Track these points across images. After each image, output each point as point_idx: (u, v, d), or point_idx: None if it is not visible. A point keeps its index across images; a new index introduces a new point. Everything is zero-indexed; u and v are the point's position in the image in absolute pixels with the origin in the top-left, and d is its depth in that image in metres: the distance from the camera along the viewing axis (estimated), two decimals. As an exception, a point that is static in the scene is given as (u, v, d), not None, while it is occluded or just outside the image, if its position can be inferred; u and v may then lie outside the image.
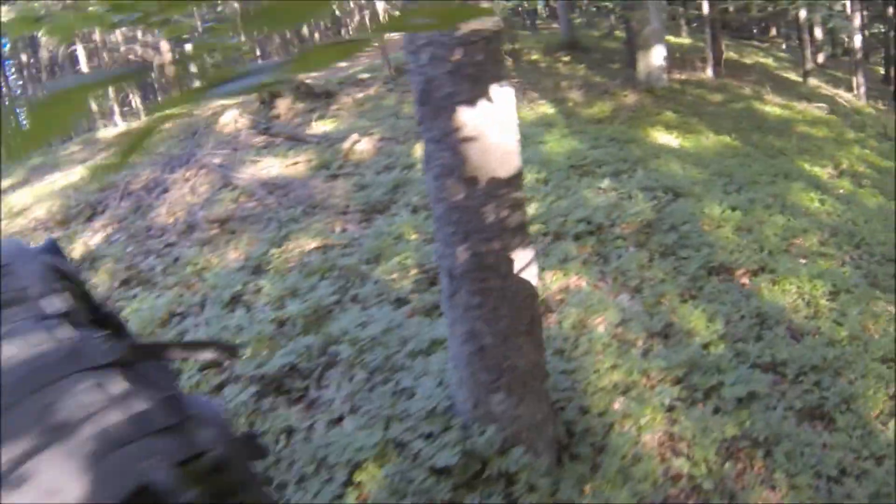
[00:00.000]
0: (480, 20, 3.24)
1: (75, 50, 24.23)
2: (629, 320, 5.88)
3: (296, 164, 11.27)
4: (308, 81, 17.78)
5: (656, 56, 16.34)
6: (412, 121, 13.91)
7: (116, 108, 22.95)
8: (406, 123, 13.46)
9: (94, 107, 25.54)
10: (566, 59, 20.92)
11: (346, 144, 11.55)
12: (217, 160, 11.54)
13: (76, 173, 16.55)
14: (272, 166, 11.24)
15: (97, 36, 22.96)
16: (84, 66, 22.95)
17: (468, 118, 3.41)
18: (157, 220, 10.30)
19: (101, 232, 10.71)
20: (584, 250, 7.27)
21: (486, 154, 3.51)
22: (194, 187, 11.00)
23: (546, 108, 15.10)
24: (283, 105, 15.67)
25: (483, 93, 3.38)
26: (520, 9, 26.46)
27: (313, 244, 8.52)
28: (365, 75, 19.13)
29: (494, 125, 3.49)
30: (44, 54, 25.85)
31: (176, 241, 9.79)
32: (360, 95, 17.00)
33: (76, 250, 10.21)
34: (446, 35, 3.26)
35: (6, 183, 19.84)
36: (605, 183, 9.25)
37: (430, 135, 3.55)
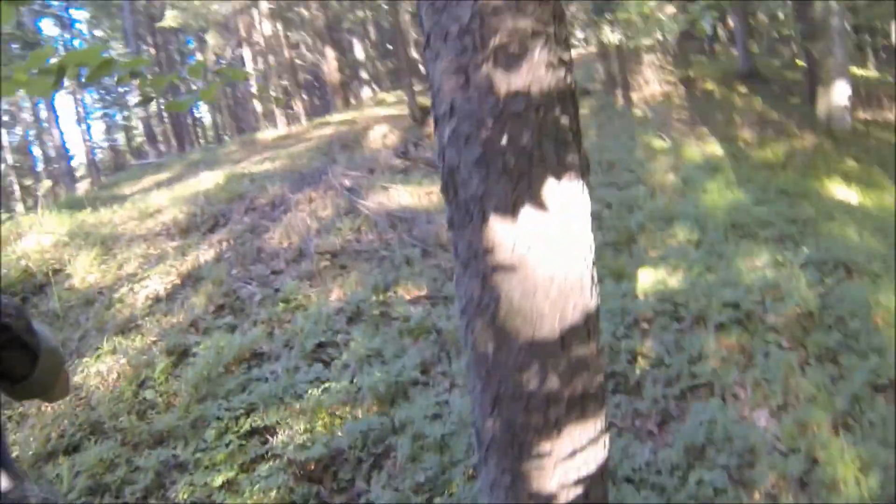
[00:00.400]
0: (529, 70, 2.29)
1: (241, 53, 25.54)
2: (757, 453, 4.83)
3: (430, 194, 10.86)
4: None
5: (839, 93, 14.71)
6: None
7: (277, 112, 23.86)
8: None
9: (259, 108, 26.86)
10: (743, 90, 19.38)
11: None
12: (347, 182, 11.36)
13: (222, 176, 17.30)
14: (403, 195, 10.89)
15: (260, 39, 24.07)
16: (249, 67, 24.07)
17: (505, 235, 2.39)
18: (271, 243, 10.20)
19: (215, 248, 10.76)
20: (725, 344, 6.22)
21: (532, 292, 2.42)
22: (316, 210, 10.87)
23: (714, 147, 13.88)
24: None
25: (530, 196, 2.35)
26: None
27: (421, 293, 8.01)
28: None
29: (549, 247, 2.41)
30: (210, 56, 27.46)
31: (283, 269, 9.62)
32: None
33: (186, 265, 10.30)
34: (478, 97, 2.33)
35: (163, 176, 21.16)
36: (764, 257, 8.09)
37: (455, 250, 2.63)
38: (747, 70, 20.72)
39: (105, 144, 50.33)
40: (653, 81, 18.34)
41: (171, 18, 23.88)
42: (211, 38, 25.65)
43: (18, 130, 39.99)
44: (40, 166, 36.43)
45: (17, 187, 37.35)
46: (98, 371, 7.32)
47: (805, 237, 8.91)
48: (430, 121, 15.29)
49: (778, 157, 13.63)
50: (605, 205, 9.76)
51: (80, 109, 42.95)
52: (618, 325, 6.44)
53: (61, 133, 26.54)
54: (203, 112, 45.24)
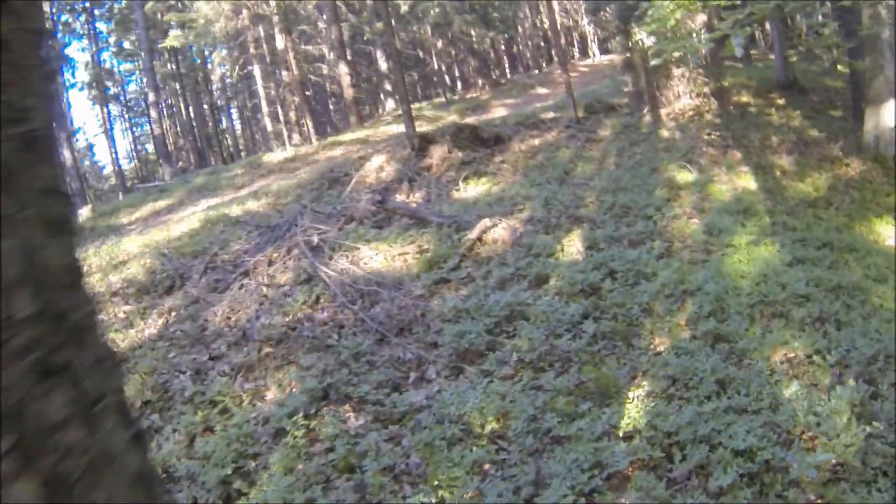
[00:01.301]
0: None
1: (251, 70, 24.31)
2: None
3: (404, 255, 9.40)
4: (477, 123, 15.97)
5: (889, 114, 12.77)
6: (579, 190, 11.61)
7: (285, 133, 22.60)
8: (568, 196, 11.18)
9: (269, 127, 25.65)
10: (780, 101, 17.39)
11: (473, 233, 9.50)
12: (315, 238, 9.97)
13: (222, 204, 16.13)
14: (375, 256, 9.46)
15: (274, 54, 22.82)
16: (259, 87, 22.85)
17: None
18: (216, 320, 8.86)
19: (164, 318, 9.56)
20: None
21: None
22: (275, 275, 9.51)
23: (747, 180, 12.13)
24: (437, 153, 13.91)
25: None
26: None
27: (363, 411, 6.56)
28: (550, 114, 16.95)
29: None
30: (215, 74, 26.45)
31: (222, 354, 8.29)
32: (536, 142, 14.86)
33: (129, 340, 9.11)
34: None
35: (162, 203, 20.15)
36: (798, 349, 6.46)
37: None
38: (785, 79, 18.79)
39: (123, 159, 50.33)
40: (683, 95, 16.55)
41: (172, 38, 22.88)
42: (217, 57, 24.53)
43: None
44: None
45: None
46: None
47: (851, 314, 7.25)
48: (432, 151, 13.83)
49: (820, 190, 11.87)
50: (608, 273, 8.14)
51: (105, 122, 42.58)
52: (583, 484, 4.86)
53: (73, 152, 25.68)
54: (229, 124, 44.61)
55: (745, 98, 17.63)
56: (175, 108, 39.04)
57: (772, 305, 7.42)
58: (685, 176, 12.19)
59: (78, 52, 75.93)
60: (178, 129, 41.12)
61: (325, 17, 24.83)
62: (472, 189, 12.51)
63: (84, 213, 21.89)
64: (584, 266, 8.35)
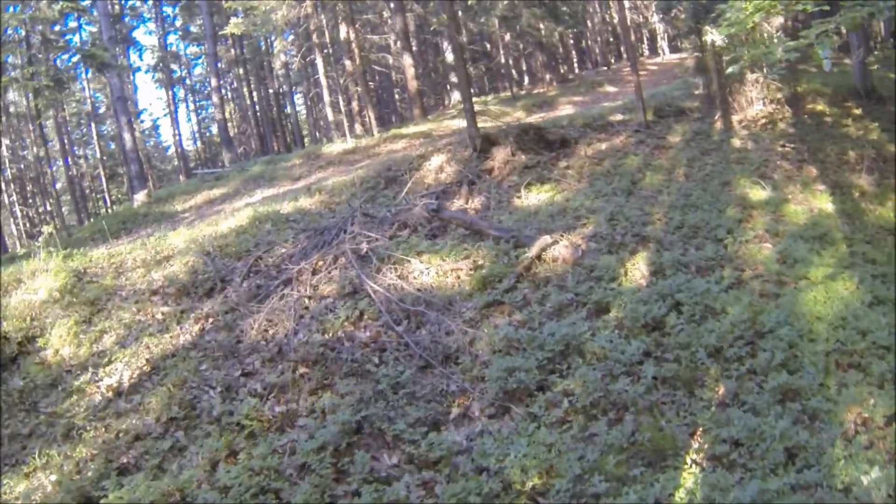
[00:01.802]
0: None
1: (314, 59, 23.87)
2: None
3: (457, 271, 8.84)
4: (543, 123, 15.25)
5: None
6: (646, 205, 10.89)
7: (346, 123, 22.15)
8: (634, 211, 10.49)
9: (330, 117, 25.27)
10: (856, 111, 16.15)
11: (532, 251, 8.89)
12: (365, 246, 9.47)
13: (277, 196, 15.76)
14: (426, 270, 8.91)
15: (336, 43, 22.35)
16: (321, 76, 22.43)
17: None
18: (251, 333, 8.43)
19: (200, 324, 9.17)
20: None
21: None
22: (317, 286, 9.03)
23: (823, 201, 11.26)
24: (500, 155, 13.28)
25: None
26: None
27: (397, 449, 6.05)
28: (618, 116, 16.15)
29: None
30: (277, 63, 26.09)
31: (256, 370, 7.88)
32: (603, 147, 14.10)
33: (162, 346, 8.77)
34: None
35: (217, 192, 19.90)
36: (877, 410, 5.73)
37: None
38: (863, 87, 17.53)
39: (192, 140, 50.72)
40: (756, 101, 15.59)
41: (233, 26, 22.56)
42: (278, 45, 24.16)
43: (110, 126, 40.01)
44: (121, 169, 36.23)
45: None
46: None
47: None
48: (494, 152, 13.20)
49: (903, 214, 10.96)
50: (674, 305, 7.45)
51: (171, 104, 42.92)
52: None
53: (133, 136, 25.62)
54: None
55: (819, 106, 16.50)
56: (238, 94, 39.05)
57: (849, 355, 6.68)
58: (758, 193, 11.37)
59: (145, 35, 77.18)
60: (241, 114, 41.16)
61: (391, 6, 24.32)
62: (533, 197, 11.86)
63: (140, 198, 21.86)
64: (647, 295, 7.69)
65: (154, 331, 9.13)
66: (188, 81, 47.11)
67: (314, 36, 22.83)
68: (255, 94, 39.71)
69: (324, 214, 12.41)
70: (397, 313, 8.04)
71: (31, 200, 36.55)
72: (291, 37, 25.85)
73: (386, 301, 8.18)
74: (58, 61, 26.76)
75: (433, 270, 8.86)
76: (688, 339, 6.79)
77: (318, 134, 41.98)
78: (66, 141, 37.27)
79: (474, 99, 29.73)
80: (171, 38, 44.64)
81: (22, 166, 37.05)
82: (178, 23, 41.31)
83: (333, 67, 24.45)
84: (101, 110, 41.45)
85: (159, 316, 9.57)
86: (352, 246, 9.42)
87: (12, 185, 32.33)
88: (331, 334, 7.95)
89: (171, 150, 48.56)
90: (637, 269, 8.58)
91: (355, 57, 22.00)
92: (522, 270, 8.58)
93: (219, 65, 33.43)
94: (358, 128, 24.27)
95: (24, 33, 21.87)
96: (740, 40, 14.46)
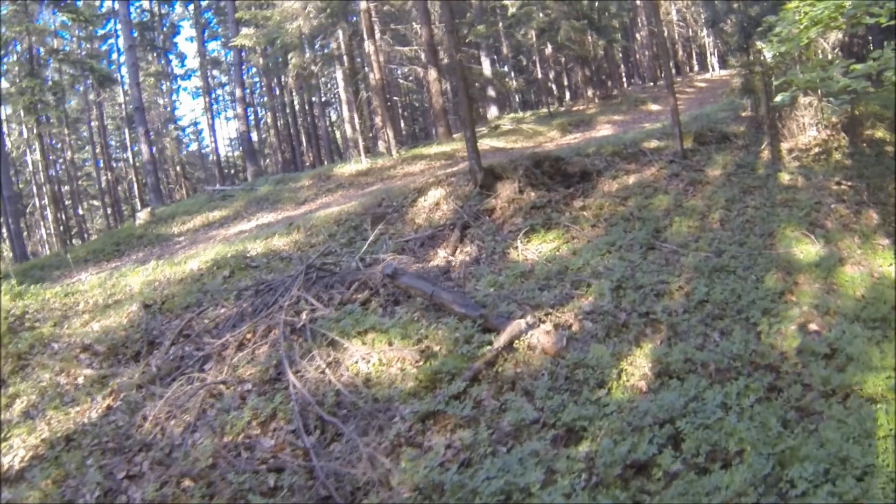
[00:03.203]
0: None
1: (334, 70, 22.15)
2: None
3: (402, 360, 6.92)
4: (561, 152, 13.17)
5: None
6: (667, 265, 8.93)
7: (360, 142, 20.35)
8: (650, 275, 8.51)
9: (349, 133, 23.58)
10: None
11: (500, 339, 6.94)
12: (304, 316, 7.68)
13: (273, 224, 14.31)
14: (367, 355, 7.02)
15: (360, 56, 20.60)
16: (341, 91, 20.75)
17: None
18: (146, 426, 6.70)
19: (107, 401, 7.54)
20: None
21: None
22: (237, 367, 7.26)
23: (887, 261, 9.14)
24: (505, 192, 11.37)
25: None
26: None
27: None
28: (653, 142, 14.06)
29: None
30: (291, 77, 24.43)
31: (142, 473, 6.22)
32: (630, 181, 12.08)
33: (65, 423, 7.21)
34: None
35: (217, 214, 18.43)
36: None
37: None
38: None
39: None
40: (809, 127, 13.38)
41: (242, 37, 20.97)
42: (294, 58, 22.45)
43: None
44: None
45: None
46: None
47: None
48: (499, 188, 11.21)
49: None
50: (670, 438, 5.38)
51: (208, 110, 41.82)
52: None
53: (150, 147, 24.45)
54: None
55: (879, 132, 14.08)
56: (274, 103, 37.53)
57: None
58: (807, 249, 9.29)
59: (186, 41, 77.41)
60: (275, 124, 39.72)
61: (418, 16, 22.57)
62: (534, 248, 9.91)
63: (142, 216, 20.49)
64: (639, 416, 5.62)
65: (65, 401, 7.63)
66: (228, 87, 46.18)
67: (334, 48, 21.17)
68: (287, 104, 38.06)
69: (293, 259, 10.69)
70: (313, 418, 6.21)
71: (63, 204, 35.57)
72: (308, 52, 24.19)
73: (303, 400, 6.35)
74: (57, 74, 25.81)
75: (375, 357, 6.94)
76: (681, 499, 4.77)
77: (339, 150, 40.36)
78: (98, 146, 36.32)
79: (511, 115, 27.94)
80: (213, 45, 43.88)
81: (58, 171, 36.35)
82: (221, 30, 40.20)
83: (349, 82, 22.63)
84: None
85: (80, 380, 8.12)
86: (288, 316, 7.62)
87: (45, 188, 31.41)
88: (231, 437, 6.17)
89: (212, 157, 47.63)
90: (636, 369, 6.56)
91: (374, 70, 20.22)
92: (483, 366, 6.58)
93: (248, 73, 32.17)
94: (381, 145, 22.52)
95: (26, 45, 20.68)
96: (792, 58, 12.38)
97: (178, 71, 45.38)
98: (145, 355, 8.32)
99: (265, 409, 6.41)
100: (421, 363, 6.73)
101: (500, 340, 6.89)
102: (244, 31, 21.29)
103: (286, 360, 7.00)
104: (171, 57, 41.29)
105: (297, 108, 37.99)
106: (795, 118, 13.60)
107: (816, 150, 12.86)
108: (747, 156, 13.25)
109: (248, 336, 7.65)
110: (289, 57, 22.99)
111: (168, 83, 44.36)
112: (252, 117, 37.98)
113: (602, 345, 6.92)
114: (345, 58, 21.18)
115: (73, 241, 33.05)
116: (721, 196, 11.41)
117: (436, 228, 10.87)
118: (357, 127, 21.36)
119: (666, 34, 29.03)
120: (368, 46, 20.11)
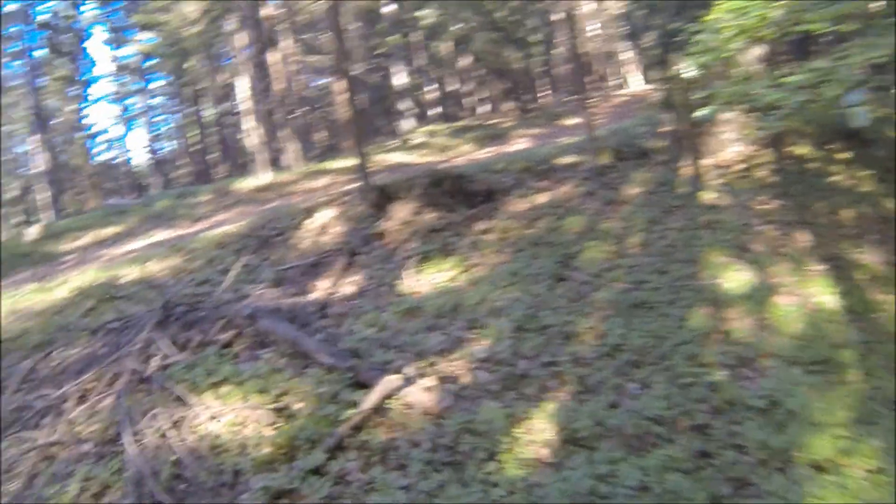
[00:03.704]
0: None
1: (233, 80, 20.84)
2: None
3: (258, 420, 5.73)
4: (466, 170, 12.17)
5: None
6: (578, 297, 7.98)
7: (258, 156, 19.16)
8: (558, 314, 7.51)
9: (253, 144, 22.30)
10: (843, 154, 13.05)
11: (369, 399, 5.80)
12: (154, 364, 6.45)
13: (168, 241, 13.06)
14: (219, 412, 5.83)
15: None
16: (246, 101, 19.41)
17: None
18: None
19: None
20: None
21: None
22: (75, 423, 5.99)
23: (821, 290, 8.20)
24: (399, 214, 10.27)
25: None
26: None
27: None
28: (568, 158, 13.13)
29: None
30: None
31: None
32: (541, 200, 11.07)
33: None
34: None
35: (110, 231, 17.02)
36: None
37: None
38: (845, 127, 14.43)
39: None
40: (731, 142, 12.68)
41: (138, 45, 19.63)
42: (193, 64, 21.14)
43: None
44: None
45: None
46: None
47: None
48: (393, 210, 10.09)
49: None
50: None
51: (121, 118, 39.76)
52: None
53: (53, 156, 22.75)
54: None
55: (801, 149, 13.43)
56: (168, 116, 35.70)
57: None
58: (735, 277, 8.41)
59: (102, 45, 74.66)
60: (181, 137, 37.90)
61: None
62: (427, 278, 8.81)
63: (33, 231, 18.85)
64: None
65: None
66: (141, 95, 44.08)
67: (236, 55, 19.87)
68: (194, 114, 36.28)
69: (168, 287, 9.37)
70: (148, 496, 5.01)
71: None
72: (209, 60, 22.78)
73: (135, 474, 5.14)
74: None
75: (228, 415, 5.75)
76: None
77: (244, 163, 38.79)
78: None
79: (426, 128, 26.95)
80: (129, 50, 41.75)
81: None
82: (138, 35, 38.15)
83: (254, 91, 21.35)
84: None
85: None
86: (136, 363, 6.38)
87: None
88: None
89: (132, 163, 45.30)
90: (535, 437, 5.48)
91: (279, 81, 19.01)
92: (349, 431, 5.47)
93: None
94: (288, 158, 21.27)
95: None
96: (715, 72, 11.72)
97: (87, 76, 42.81)
98: (-16, 403, 6.98)
99: (98, 478, 5.18)
100: (280, 424, 5.56)
101: (371, 399, 5.75)
102: (138, 35, 19.93)
103: (127, 419, 5.77)
104: (80, 61, 39.12)
105: (206, 118, 36.30)
106: (717, 134, 12.93)
107: (741, 166, 12.15)
108: (667, 173, 12.42)
109: (93, 384, 6.39)
110: (187, 63, 21.59)
111: (77, 89, 42.09)
112: (163, 127, 36.13)
113: (496, 402, 5.83)
114: (249, 66, 19.93)
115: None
116: (639, 217, 10.52)
117: (321, 255, 9.72)
118: (260, 139, 20.09)
119: (585, 49, 28.49)
120: (271, 55, 18.94)
